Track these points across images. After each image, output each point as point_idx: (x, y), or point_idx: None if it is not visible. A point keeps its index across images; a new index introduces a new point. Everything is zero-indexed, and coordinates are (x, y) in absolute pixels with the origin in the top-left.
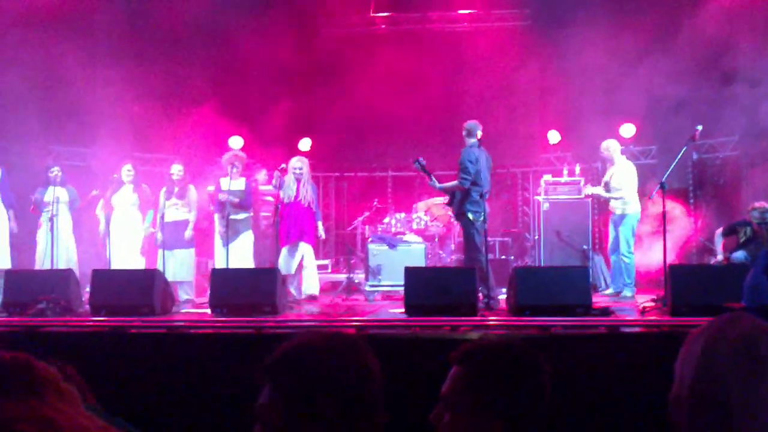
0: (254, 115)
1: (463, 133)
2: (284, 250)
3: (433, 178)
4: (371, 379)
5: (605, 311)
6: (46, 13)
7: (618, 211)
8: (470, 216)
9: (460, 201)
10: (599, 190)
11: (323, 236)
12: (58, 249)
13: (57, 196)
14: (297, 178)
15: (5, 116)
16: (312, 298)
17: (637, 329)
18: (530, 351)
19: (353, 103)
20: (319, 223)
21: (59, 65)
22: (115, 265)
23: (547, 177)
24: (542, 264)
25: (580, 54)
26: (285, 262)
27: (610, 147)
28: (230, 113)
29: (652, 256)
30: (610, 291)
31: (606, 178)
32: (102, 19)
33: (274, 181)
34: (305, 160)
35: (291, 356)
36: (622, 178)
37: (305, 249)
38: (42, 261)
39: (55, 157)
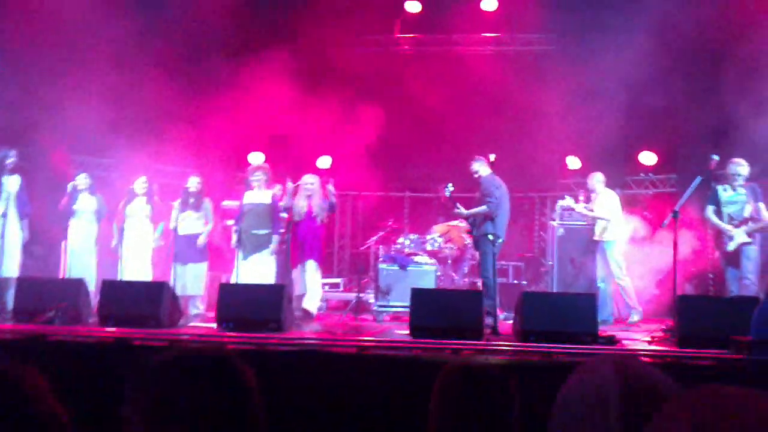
0: (273, 131)
1: (474, 170)
2: (295, 272)
3: (459, 207)
4: (241, 399)
5: (611, 340)
6: (72, 20)
7: (605, 236)
8: (490, 237)
9: (481, 223)
10: (582, 208)
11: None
12: (79, 258)
13: (82, 204)
14: (308, 194)
15: (31, 122)
16: (308, 315)
17: (646, 359)
18: (503, 375)
19: (375, 122)
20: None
21: (83, 73)
22: (126, 276)
23: (562, 202)
24: (554, 290)
25: (603, 79)
26: (299, 281)
27: (594, 178)
28: (249, 128)
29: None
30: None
31: (590, 206)
32: (125, 27)
33: (284, 200)
34: (317, 178)
35: (150, 373)
36: (609, 205)
37: (310, 265)
38: (69, 269)
39: (77, 166)
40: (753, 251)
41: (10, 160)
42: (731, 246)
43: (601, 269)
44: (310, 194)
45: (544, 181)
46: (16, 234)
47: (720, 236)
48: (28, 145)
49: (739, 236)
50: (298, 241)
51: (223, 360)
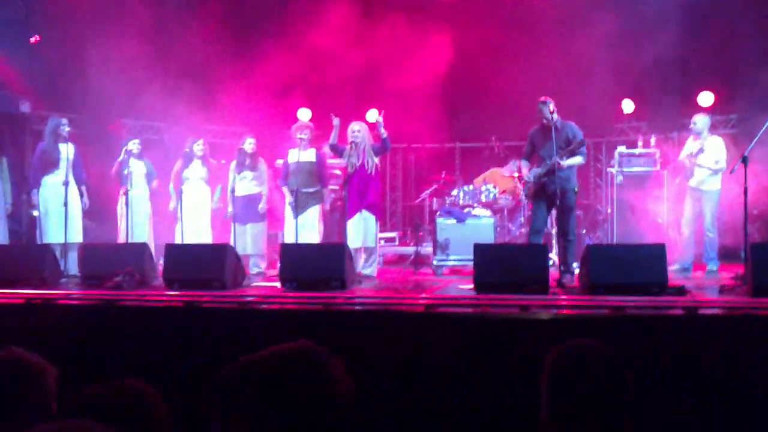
0: (322, 87)
1: (550, 112)
2: (350, 223)
3: (560, 158)
4: (332, 399)
5: (680, 290)
6: None
7: (710, 186)
8: (576, 189)
9: (567, 177)
10: (686, 158)
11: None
12: (134, 222)
13: (132, 169)
14: (355, 142)
15: (79, 88)
16: (368, 279)
17: (715, 311)
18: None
19: (420, 73)
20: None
21: (131, 39)
22: (187, 239)
23: (621, 149)
24: (615, 239)
25: (652, 21)
26: (352, 235)
27: (701, 121)
28: (298, 86)
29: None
30: (676, 267)
31: (692, 149)
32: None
33: (331, 137)
34: (364, 125)
35: (238, 378)
36: (720, 155)
37: (369, 221)
38: (124, 233)
39: (128, 130)
40: None
41: (64, 128)
42: None
43: (690, 215)
44: (358, 142)
45: (599, 125)
46: (76, 201)
47: None
48: (79, 112)
49: None
50: (354, 192)
51: (317, 361)
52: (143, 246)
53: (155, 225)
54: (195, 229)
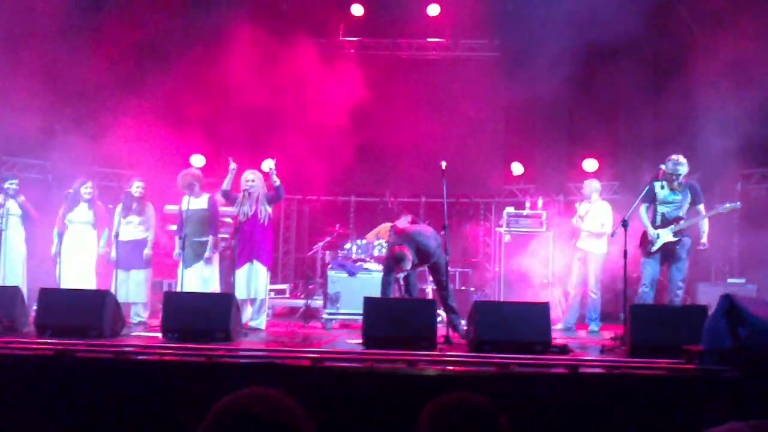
0: (217, 133)
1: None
2: (239, 273)
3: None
4: None
5: (563, 349)
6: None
7: (595, 249)
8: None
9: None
10: (576, 220)
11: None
12: (7, 264)
13: (8, 208)
14: (249, 191)
15: None
16: (255, 332)
17: (595, 369)
18: (493, 412)
19: (320, 126)
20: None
21: (17, 70)
22: (68, 284)
23: (510, 209)
24: (502, 296)
25: (546, 87)
26: (241, 286)
27: (591, 185)
28: (192, 130)
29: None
30: (560, 326)
31: (581, 212)
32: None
33: (224, 183)
34: (258, 174)
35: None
36: (605, 218)
37: (259, 271)
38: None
39: (9, 167)
40: (681, 252)
41: None
42: (654, 247)
43: (576, 277)
44: (252, 191)
45: (489, 186)
46: None
47: (645, 236)
48: None
49: (664, 236)
50: (245, 242)
51: (286, 406)
52: (15, 290)
53: (33, 269)
54: (77, 274)
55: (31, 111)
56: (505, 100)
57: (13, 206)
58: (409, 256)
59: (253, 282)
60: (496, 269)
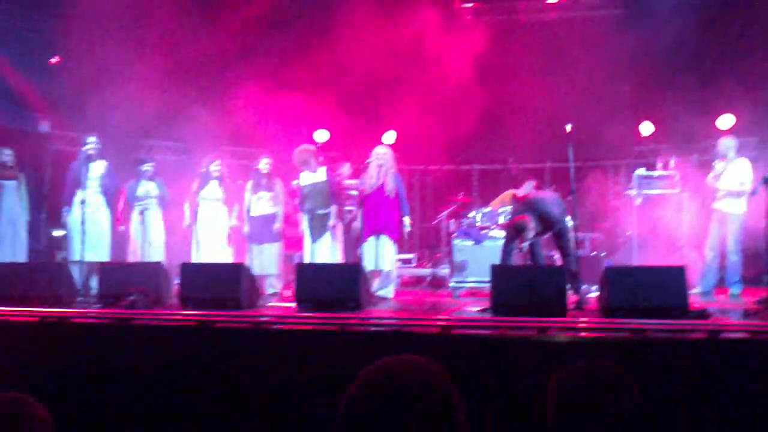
0: (341, 108)
1: None
2: (366, 246)
3: None
4: (454, 410)
5: (702, 314)
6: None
7: (733, 209)
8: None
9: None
10: (711, 179)
11: (408, 230)
12: (148, 242)
13: (148, 190)
14: (379, 165)
15: (100, 108)
16: (384, 301)
17: (739, 335)
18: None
19: (440, 95)
20: (406, 218)
21: (149, 60)
22: (203, 258)
23: (641, 171)
24: (635, 261)
25: (674, 43)
26: (368, 257)
27: (725, 143)
28: (315, 104)
29: None
30: (697, 290)
31: (717, 171)
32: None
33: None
34: (390, 150)
35: (369, 389)
36: (745, 177)
37: (385, 243)
38: (135, 254)
39: (147, 150)
40: None
41: (90, 147)
42: None
43: (714, 239)
44: (382, 164)
45: (618, 148)
46: (105, 220)
47: None
48: (99, 133)
49: None
50: (371, 214)
51: (435, 372)
52: (158, 265)
53: (170, 245)
54: (211, 249)
55: (161, 92)
56: (629, 58)
57: (151, 188)
58: (531, 224)
59: (381, 255)
60: (628, 233)
